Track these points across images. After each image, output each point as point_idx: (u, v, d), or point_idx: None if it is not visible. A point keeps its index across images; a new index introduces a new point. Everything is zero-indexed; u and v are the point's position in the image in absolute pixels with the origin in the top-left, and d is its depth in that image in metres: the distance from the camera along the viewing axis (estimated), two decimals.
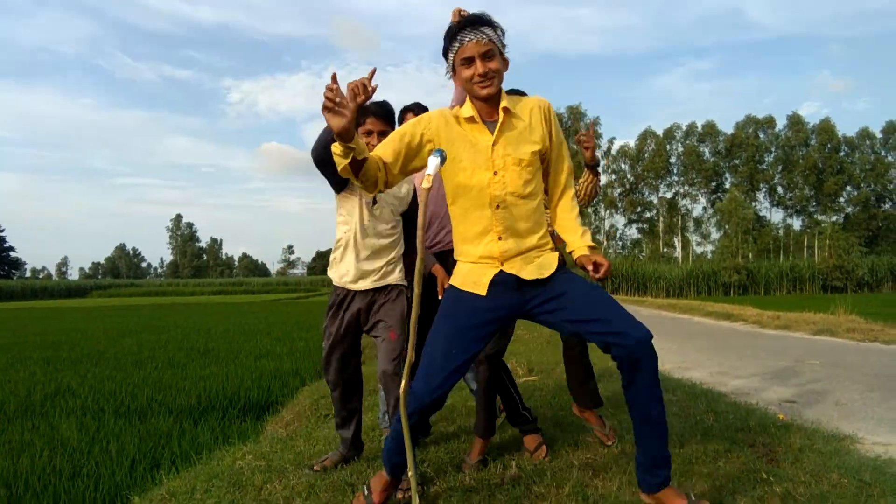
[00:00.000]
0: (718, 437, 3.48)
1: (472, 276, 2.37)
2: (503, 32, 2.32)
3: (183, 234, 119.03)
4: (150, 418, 5.03)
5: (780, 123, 60.82)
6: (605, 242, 61.12)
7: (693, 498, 2.33)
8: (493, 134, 2.32)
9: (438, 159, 2.14)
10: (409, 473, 2.37)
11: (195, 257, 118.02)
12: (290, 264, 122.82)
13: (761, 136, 60.96)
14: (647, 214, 64.36)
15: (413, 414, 2.33)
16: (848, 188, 60.30)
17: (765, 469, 2.89)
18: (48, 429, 4.70)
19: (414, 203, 3.26)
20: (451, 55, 2.31)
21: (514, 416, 3.37)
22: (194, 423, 4.89)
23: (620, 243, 65.72)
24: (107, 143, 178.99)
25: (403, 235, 3.24)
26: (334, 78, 2.02)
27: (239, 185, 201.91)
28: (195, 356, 8.83)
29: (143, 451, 4.11)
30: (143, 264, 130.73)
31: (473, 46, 2.24)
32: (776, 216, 64.22)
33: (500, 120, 2.32)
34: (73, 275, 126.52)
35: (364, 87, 2.11)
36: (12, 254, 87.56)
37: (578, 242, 2.43)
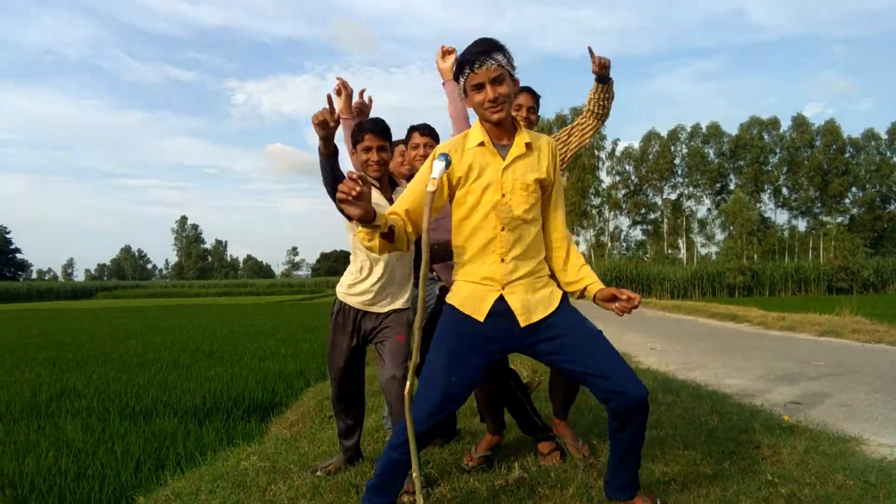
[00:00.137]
0: (723, 438, 3.48)
1: (472, 300, 2.38)
2: (512, 57, 2.38)
3: (188, 236, 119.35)
4: (156, 419, 5.04)
5: (785, 124, 60.63)
6: (610, 244, 61.00)
7: (659, 503, 2.49)
8: (504, 159, 2.38)
9: (443, 163, 2.18)
10: (414, 475, 2.37)
11: (200, 259, 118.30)
12: (295, 266, 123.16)
13: (766, 137, 60.74)
14: (652, 216, 64.19)
15: (403, 444, 2.30)
16: (853, 189, 60.04)
17: (770, 470, 2.89)
18: (54, 429, 4.72)
19: None
20: (462, 80, 2.37)
21: (526, 425, 3.37)
22: (199, 424, 4.91)
23: (625, 245, 65.61)
24: (112, 145, 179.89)
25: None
26: (350, 176, 2.05)
27: (243, 186, 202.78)
28: (200, 357, 8.86)
29: (148, 451, 4.12)
30: (149, 266, 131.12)
31: (484, 73, 2.29)
32: (781, 217, 64.17)
33: (515, 147, 2.39)
34: (79, 276, 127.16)
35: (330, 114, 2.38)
36: (18, 255, 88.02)
37: (590, 278, 2.47)
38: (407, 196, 2.36)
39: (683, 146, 61.93)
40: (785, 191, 61.42)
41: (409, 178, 3.48)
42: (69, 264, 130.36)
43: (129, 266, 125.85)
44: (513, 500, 2.66)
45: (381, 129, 3.06)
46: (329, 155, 2.80)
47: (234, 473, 3.20)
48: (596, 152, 56.92)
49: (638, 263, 43.81)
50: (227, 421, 5.13)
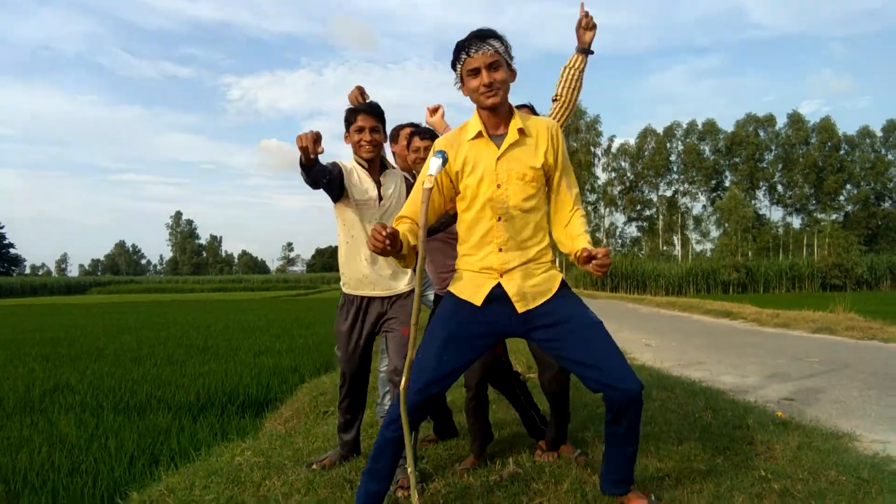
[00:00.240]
0: (717, 434, 3.49)
1: (470, 286, 2.41)
2: (510, 45, 2.38)
3: (183, 231, 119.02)
4: (149, 415, 5.03)
5: (781, 122, 60.78)
6: (605, 240, 61.02)
7: (653, 498, 2.46)
8: (499, 148, 2.37)
9: (440, 160, 2.19)
10: (409, 470, 2.37)
11: (195, 254, 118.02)
12: (290, 262, 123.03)
13: (761, 134, 60.88)
14: (647, 212, 64.30)
15: (395, 420, 2.32)
16: (848, 186, 60.25)
17: (763, 466, 2.90)
18: (47, 425, 4.70)
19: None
20: (458, 66, 2.37)
21: (534, 431, 3.39)
22: (193, 420, 4.90)
23: (620, 241, 65.67)
24: (107, 140, 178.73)
25: None
26: (382, 227, 2.10)
27: (239, 182, 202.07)
28: (194, 353, 8.84)
29: (141, 447, 4.11)
30: (143, 261, 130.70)
31: (480, 58, 2.30)
32: (776, 214, 64.11)
33: (509, 135, 2.37)
34: (73, 272, 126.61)
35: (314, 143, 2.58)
36: (12, 250, 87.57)
37: (581, 243, 2.36)
38: (413, 198, 2.43)
39: (679, 143, 62.07)
40: (780, 188, 61.58)
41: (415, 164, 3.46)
42: (63, 259, 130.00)
43: (124, 261, 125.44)
44: (507, 495, 2.66)
45: (373, 110, 3.06)
46: (310, 166, 2.79)
47: (229, 469, 3.19)
48: (592, 149, 56.91)
49: (633, 260, 43.98)
50: (222, 416, 5.12)
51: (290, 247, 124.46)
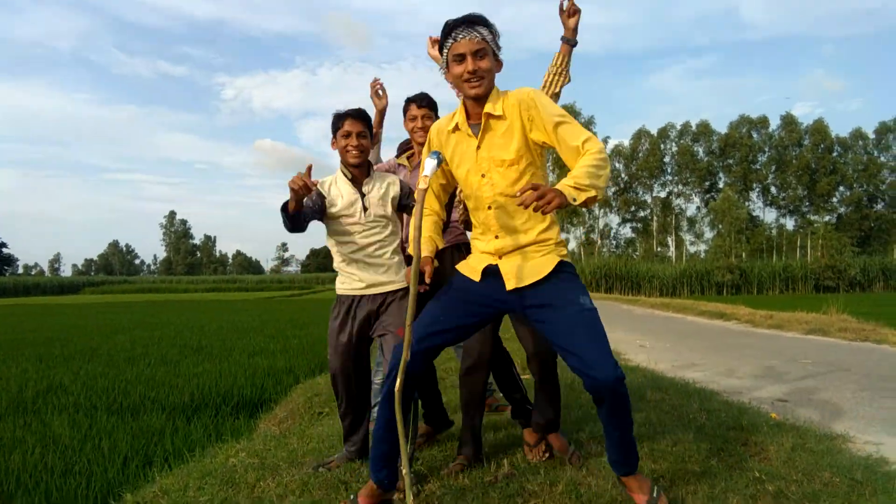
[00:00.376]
0: (711, 435, 3.49)
1: (471, 262, 2.52)
2: (498, 34, 2.37)
3: (177, 231, 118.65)
4: (143, 415, 5.02)
5: (774, 123, 61.12)
6: (599, 241, 61.19)
7: (655, 495, 2.40)
8: (476, 138, 2.38)
9: (435, 161, 2.21)
10: (404, 471, 2.37)
11: (189, 254, 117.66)
12: (285, 262, 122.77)
13: (755, 135, 61.15)
14: (641, 214, 64.49)
15: (391, 371, 2.36)
16: (840, 188, 60.57)
17: (757, 467, 2.91)
18: (40, 426, 4.68)
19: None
20: (445, 50, 2.37)
21: (519, 412, 3.37)
22: (187, 421, 4.88)
23: (614, 242, 65.88)
24: (100, 139, 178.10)
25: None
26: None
27: (233, 181, 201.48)
28: (188, 353, 8.81)
29: (135, 448, 4.10)
30: (137, 261, 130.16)
31: (466, 44, 2.29)
32: (769, 216, 64.50)
33: (483, 124, 2.37)
34: (66, 271, 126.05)
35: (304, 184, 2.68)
36: (4, 250, 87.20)
37: (566, 182, 2.12)
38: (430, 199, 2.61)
39: (673, 144, 62.27)
40: (773, 189, 61.90)
41: (420, 145, 3.45)
42: (56, 259, 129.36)
43: (117, 261, 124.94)
44: (502, 496, 2.66)
45: (360, 115, 3.07)
46: (293, 214, 2.83)
47: (223, 470, 3.18)
48: None
49: (627, 261, 44.03)
50: (216, 417, 5.10)
51: (284, 247, 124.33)
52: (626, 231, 65.91)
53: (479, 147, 2.37)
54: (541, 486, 2.74)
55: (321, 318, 14.26)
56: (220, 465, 3.31)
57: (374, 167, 3.28)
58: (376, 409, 3.73)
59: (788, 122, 60.07)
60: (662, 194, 63.37)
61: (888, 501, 2.54)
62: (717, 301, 21.78)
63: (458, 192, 3.18)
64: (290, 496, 2.77)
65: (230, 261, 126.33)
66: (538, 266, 2.35)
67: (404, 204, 3.19)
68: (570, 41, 3.22)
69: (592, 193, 2.10)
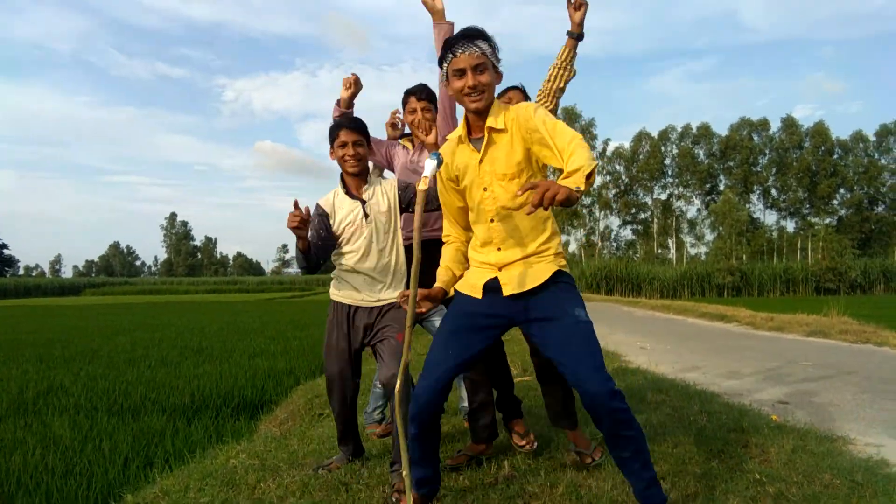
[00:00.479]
0: (712, 437, 3.50)
1: (470, 279, 2.48)
2: (497, 47, 2.39)
3: (177, 233, 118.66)
4: (144, 417, 5.02)
5: (775, 126, 61.06)
6: (600, 243, 61.18)
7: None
8: (479, 152, 2.40)
9: (435, 162, 2.21)
10: (404, 473, 2.38)
11: (189, 256, 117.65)
12: (285, 263, 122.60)
13: (755, 138, 61.11)
14: (642, 216, 64.45)
15: (414, 418, 2.35)
16: (841, 191, 60.52)
17: (758, 470, 2.91)
18: (41, 427, 4.68)
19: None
20: (445, 65, 2.39)
21: (505, 404, 3.33)
22: (188, 422, 4.89)
23: (615, 244, 65.85)
24: (101, 141, 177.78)
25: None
26: (402, 295, 2.43)
27: (234, 183, 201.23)
28: (189, 355, 8.81)
29: (136, 449, 4.10)
30: (138, 262, 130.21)
31: (466, 59, 2.32)
32: (770, 218, 64.39)
33: (486, 138, 2.38)
34: (67, 273, 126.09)
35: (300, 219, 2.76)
36: (5, 251, 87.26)
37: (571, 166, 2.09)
38: (445, 214, 2.59)
39: (674, 146, 62.24)
40: (774, 192, 61.85)
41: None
42: (57, 260, 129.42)
43: (118, 263, 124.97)
44: (503, 497, 2.67)
45: (355, 124, 3.09)
46: (305, 249, 2.94)
47: (224, 471, 3.18)
48: None
49: (628, 263, 43.96)
50: (216, 419, 5.11)
51: (285, 248, 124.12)
52: (627, 233, 65.93)
53: (481, 161, 2.39)
54: (541, 488, 2.75)
55: (321, 320, 14.23)
56: (220, 466, 3.32)
57: (372, 142, 3.29)
58: (376, 412, 3.75)
59: (789, 124, 60.06)
60: (663, 196, 63.37)
61: (889, 503, 2.54)
62: (718, 303, 21.77)
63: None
64: (291, 497, 2.77)
65: (231, 262, 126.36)
66: (537, 273, 2.36)
67: (406, 201, 3.16)
68: (575, 35, 3.22)
69: (587, 169, 2.02)
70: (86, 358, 8.69)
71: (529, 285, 2.34)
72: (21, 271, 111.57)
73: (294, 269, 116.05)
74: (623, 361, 7.24)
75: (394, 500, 2.69)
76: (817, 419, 4.18)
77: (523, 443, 3.22)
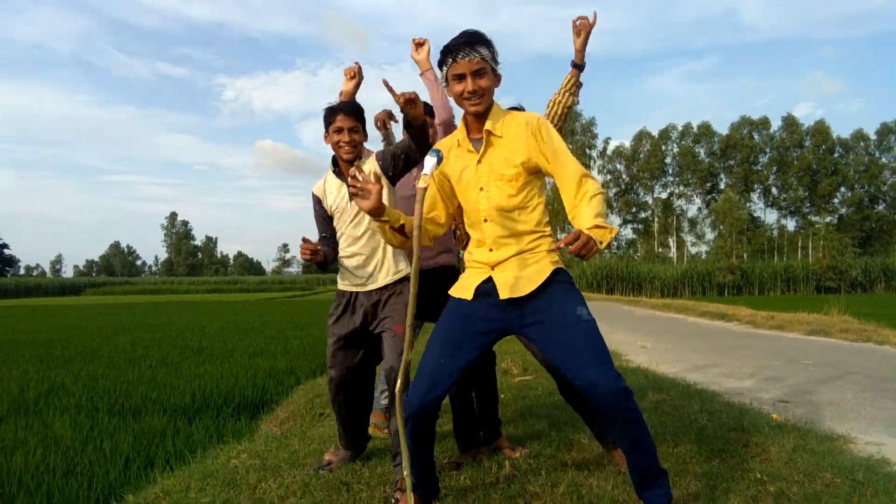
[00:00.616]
0: (712, 436, 3.50)
1: (463, 281, 2.48)
2: (496, 51, 2.41)
3: (178, 232, 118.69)
4: (145, 416, 5.01)
5: (775, 125, 61.16)
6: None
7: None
8: (478, 153, 2.41)
9: (435, 159, 2.21)
10: (405, 473, 2.38)
11: (190, 255, 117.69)
12: (286, 263, 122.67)
13: (756, 137, 61.16)
14: (643, 215, 64.51)
15: (408, 420, 2.35)
16: (842, 189, 60.57)
17: (758, 469, 2.91)
18: (41, 427, 4.68)
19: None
20: (444, 69, 2.41)
21: (463, 434, 3.35)
22: (188, 422, 4.88)
23: (615, 243, 65.76)
24: (101, 140, 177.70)
25: None
26: (359, 169, 2.31)
27: (234, 183, 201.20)
28: (189, 354, 8.81)
29: (137, 449, 4.10)
30: (138, 262, 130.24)
31: (465, 64, 2.33)
32: (770, 217, 64.56)
33: (484, 140, 2.40)
34: (68, 272, 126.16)
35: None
36: (6, 251, 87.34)
37: (585, 224, 2.21)
38: (427, 199, 2.50)
39: (674, 146, 62.30)
40: (774, 190, 61.89)
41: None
42: (57, 260, 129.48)
43: (119, 262, 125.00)
44: (503, 497, 2.67)
45: (352, 109, 3.02)
46: (323, 261, 3.00)
47: (224, 471, 3.18)
48: (587, 151, 57.07)
49: (629, 262, 43.95)
50: (217, 419, 5.10)
51: (285, 248, 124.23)
52: (628, 232, 65.97)
53: (479, 161, 2.40)
54: (542, 488, 2.75)
55: (322, 319, 14.24)
56: (221, 466, 3.32)
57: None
58: (383, 396, 3.77)
59: (789, 123, 60.10)
60: (664, 195, 63.44)
61: (889, 502, 2.54)
62: (719, 302, 21.77)
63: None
64: (292, 497, 2.77)
65: (231, 262, 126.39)
66: (532, 275, 2.33)
67: (389, 169, 3.02)
68: (576, 65, 3.32)
69: (608, 237, 2.20)
70: (86, 358, 8.68)
71: (526, 290, 2.31)
72: (22, 271, 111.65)
73: (294, 269, 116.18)
74: (624, 360, 7.24)
75: (394, 500, 2.69)
76: (818, 418, 4.18)
77: (516, 454, 3.28)
